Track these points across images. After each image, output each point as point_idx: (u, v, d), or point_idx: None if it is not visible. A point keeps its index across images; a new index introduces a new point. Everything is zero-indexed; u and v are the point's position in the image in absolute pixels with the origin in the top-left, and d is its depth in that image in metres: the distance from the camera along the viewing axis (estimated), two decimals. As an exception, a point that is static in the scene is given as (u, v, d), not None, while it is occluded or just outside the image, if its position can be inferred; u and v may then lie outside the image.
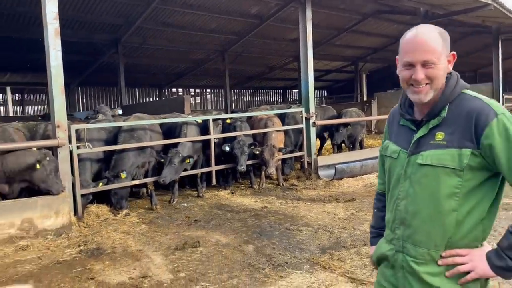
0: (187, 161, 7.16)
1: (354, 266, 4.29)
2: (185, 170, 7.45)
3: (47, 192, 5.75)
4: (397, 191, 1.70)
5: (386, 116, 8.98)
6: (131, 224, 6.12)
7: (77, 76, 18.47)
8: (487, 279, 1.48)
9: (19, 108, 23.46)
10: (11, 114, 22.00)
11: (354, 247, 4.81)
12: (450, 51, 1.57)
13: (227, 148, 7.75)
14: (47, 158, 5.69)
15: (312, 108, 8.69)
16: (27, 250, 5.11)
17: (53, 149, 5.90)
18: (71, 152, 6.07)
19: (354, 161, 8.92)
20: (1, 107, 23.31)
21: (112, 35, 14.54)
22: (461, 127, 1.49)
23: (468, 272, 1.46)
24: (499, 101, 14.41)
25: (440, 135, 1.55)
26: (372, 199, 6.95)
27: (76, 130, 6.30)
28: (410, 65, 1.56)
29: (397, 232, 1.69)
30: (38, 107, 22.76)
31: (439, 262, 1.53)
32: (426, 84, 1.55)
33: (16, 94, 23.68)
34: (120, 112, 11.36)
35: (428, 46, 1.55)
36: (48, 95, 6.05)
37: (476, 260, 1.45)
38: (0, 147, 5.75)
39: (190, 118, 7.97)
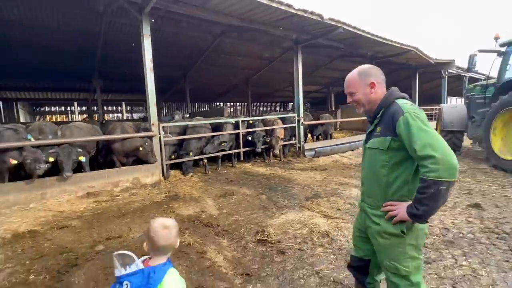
0: (223, 144, 7.33)
1: (326, 208, 4.34)
2: (224, 150, 7.55)
3: (147, 162, 5.95)
4: (362, 164, 1.80)
5: (347, 119, 8.88)
6: (194, 182, 6.28)
7: (162, 95, 18.69)
8: (413, 223, 1.48)
9: (129, 115, 24.01)
10: (124, 118, 22.68)
11: (326, 197, 4.85)
12: (377, 80, 1.62)
13: (249, 138, 7.84)
14: (146, 143, 5.87)
15: (301, 114, 8.74)
16: (136, 195, 5.31)
17: (150, 138, 6.09)
18: (160, 140, 6.25)
19: (326, 146, 8.93)
20: (120, 114, 23.99)
21: (182, 71, 14.63)
22: (387, 123, 1.54)
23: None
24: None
25: (378, 129, 1.60)
26: (336, 170, 7.02)
27: (163, 127, 6.47)
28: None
29: (361, 188, 1.77)
30: (140, 114, 23.25)
31: (381, 209, 1.58)
32: (356, 104, 1.65)
33: (128, 106, 24.30)
34: (187, 115, 11.54)
35: (348, 82, 1.69)
36: (146, 106, 6.20)
37: (400, 209, 1.47)
38: (122, 136, 5.98)
39: (228, 120, 8.05)
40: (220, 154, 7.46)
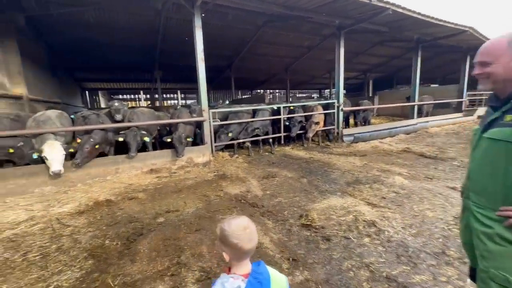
0: (256, 130, 7.02)
1: (369, 195, 3.85)
2: (259, 135, 7.26)
3: (198, 144, 5.94)
4: (472, 155, 1.33)
5: (384, 106, 7.82)
6: (239, 163, 6.16)
7: (210, 84, 18.95)
8: None
9: (183, 101, 25.09)
10: (180, 104, 23.76)
11: (367, 184, 4.32)
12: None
13: (287, 123, 7.40)
14: (198, 130, 5.82)
15: (341, 100, 7.91)
16: (190, 173, 5.36)
17: (202, 122, 6.05)
18: (210, 124, 6.15)
19: (365, 132, 8.07)
20: (176, 101, 25.21)
21: (227, 61, 14.43)
22: None
23: None
24: (462, 97, 12.00)
25: (509, 117, 1.12)
26: (377, 156, 6.30)
27: (212, 112, 6.33)
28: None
29: (467, 183, 1.36)
30: (193, 100, 24.05)
31: (497, 213, 1.14)
32: (484, 78, 1.21)
33: (182, 94, 25.36)
34: (227, 102, 11.38)
35: (487, 49, 1.19)
36: (198, 94, 6.11)
37: None
38: (184, 120, 6.00)
39: (268, 106, 7.65)
40: (261, 138, 7.19)
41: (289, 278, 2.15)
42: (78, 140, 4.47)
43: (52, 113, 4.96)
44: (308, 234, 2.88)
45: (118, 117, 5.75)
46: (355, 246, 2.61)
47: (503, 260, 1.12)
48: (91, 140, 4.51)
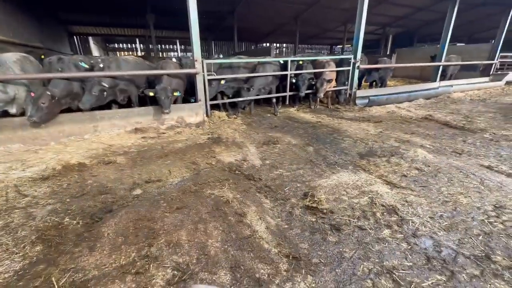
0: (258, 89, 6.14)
1: (387, 171, 3.22)
2: (270, 92, 6.38)
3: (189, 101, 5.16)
4: None
5: (408, 65, 6.59)
6: (237, 124, 5.46)
7: (211, 34, 17.03)
8: None
9: (183, 53, 23.27)
10: (179, 56, 21.96)
11: (384, 157, 3.66)
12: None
13: (293, 80, 6.42)
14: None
15: (358, 56, 6.74)
16: (181, 134, 4.73)
17: (194, 76, 5.14)
18: (204, 78, 5.24)
19: (382, 95, 7.09)
20: (175, 53, 23.39)
21: (230, 6, 12.52)
22: None
23: None
24: (494, 58, 10.51)
25: None
26: (394, 123, 5.51)
27: (206, 64, 5.33)
28: None
29: None
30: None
31: None
32: None
33: (182, 45, 23.38)
34: (221, 56, 10.01)
35: None
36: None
37: None
38: (169, 72, 5.10)
39: (275, 59, 6.57)
40: (262, 97, 6.33)
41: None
42: (32, 94, 3.66)
43: (12, 56, 4.07)
44: (314, 220, 2.33)
45: (99, 66, 4.81)
46: (372, 240, 2.06)
47: None
48: (47, 92, 3.70)
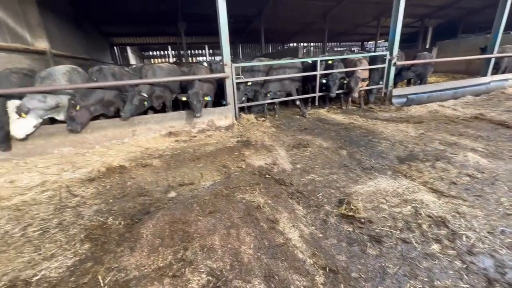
0: (278, 93, 6.10)
1: (432, 177, 2.93)
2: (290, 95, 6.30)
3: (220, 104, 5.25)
4: None
5: (445, 59, 5.94)
6: (266, 127, 5.42)
7: (239, 37, 17.29)
8: None
9: (211, 58, 24.06)
10: (208, 60, 22.88)
11: (428, 162, 3.34)
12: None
13: (324, 81, 6.18)
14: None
15: (395, 52, 6.28)
16: (211, 137, 4.83)
17: (224, 80, 5.23)
18: (233, 81, 5.31)
19: (422, 93, 6.51)
20: (204, 57, 24.34)
21: (257, 9, 12.61)
22: None
23: None
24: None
25: None
26: (437, 124, 5.02)
27: (236, 68, 5.40)
28: None
29: None
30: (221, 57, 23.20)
31: None
32: None
33: (210, 50, 24.23)
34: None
35: None
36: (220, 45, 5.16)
37: None
38: (200, 77, 5.27)
39: (302, 60, 6.38)
40: (291, 98, 6.21)
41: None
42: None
43: (63, 68, 4.52)
44: (351, 229, 2.19)
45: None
46: (419, 256, 1.87)
47: None
48: (72, 102, 4.02)
